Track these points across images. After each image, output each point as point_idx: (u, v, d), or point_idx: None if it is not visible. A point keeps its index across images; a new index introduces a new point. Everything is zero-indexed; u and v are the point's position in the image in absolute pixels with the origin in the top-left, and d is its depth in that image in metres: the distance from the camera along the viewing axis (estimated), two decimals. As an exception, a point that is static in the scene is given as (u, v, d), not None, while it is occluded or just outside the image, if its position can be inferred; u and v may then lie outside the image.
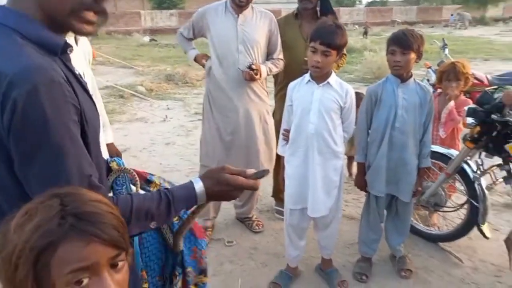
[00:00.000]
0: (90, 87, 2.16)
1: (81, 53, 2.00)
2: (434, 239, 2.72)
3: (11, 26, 0.81)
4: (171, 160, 4.28)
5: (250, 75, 2.43)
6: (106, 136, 2.12)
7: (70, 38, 1.91)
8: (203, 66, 2.70)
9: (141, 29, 24.89)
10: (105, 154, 2.05)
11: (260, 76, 2.48)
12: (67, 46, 0.87)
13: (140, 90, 7.32)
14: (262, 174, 1.02)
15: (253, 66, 2.44)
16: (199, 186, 0.97)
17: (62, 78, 0.79)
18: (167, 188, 0.96)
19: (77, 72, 0.92)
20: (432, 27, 25.94)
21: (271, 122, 2.71)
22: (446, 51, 4.59)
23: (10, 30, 0.81)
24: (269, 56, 2.65)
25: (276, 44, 2.65)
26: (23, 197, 0.80)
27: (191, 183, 0.98)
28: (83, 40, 2.08)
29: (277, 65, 2.67)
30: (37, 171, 0.78)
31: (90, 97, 0.95)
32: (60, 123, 0.77)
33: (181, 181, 1.01)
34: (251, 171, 1.01)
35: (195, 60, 2.74)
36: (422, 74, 4.42)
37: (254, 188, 1.00)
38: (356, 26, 23.55)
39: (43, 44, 0.83)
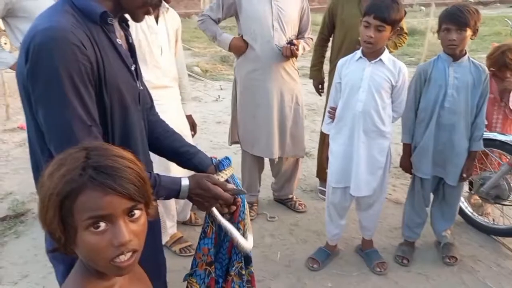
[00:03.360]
0: (175, 61, 2.27)
1: (164, 31, 2.11)
2: (491, 233, 2.57)
3: None
4: (220, 138, 4.41)
5: (292, 51, 2.38)
6: (185, 108, 2.40)
7: (150, 17, 1.99)
8: (242, 51, 2.49)
9: (200, 12, 25.28)
10: (185, 124, 2.36)
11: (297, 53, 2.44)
12: (106, 15, 0.99)
13: (196, 71, 7.53)
14: (239, 192, 1.16)
15: (295, 42, 2.40)
16: (185, 182, 1.09)
17: (79, 39, 0.91)
18: (157, 174, 1.08)
19: (118, 43, 1.04)
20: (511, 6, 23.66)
21: (302, 102, 2.66)
22: (517, 31, 4.21)
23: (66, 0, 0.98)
24: (299, 35, 2.58)
25: (307, 22, 2.59)
26: (41, 141, 0.96)
27: (179, 178, 1.10)
28: (169, 17, 2.16)
29: (309, 44, 2.62)
30: (44, 116, 0.92)
31: (128, 68, 1.07)
32: (65, 75, 0.90)
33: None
34: (231, 186, 1.14)
35: (231, 45, 2.50)
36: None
37: (228, 202, 1.12)
38: (422, 8, 22.13)
39: (85, 13, 0.97)
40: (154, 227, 1.28)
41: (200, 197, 1.09)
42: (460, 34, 1.93)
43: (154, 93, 2.06)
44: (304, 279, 2.21)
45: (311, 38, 2.66)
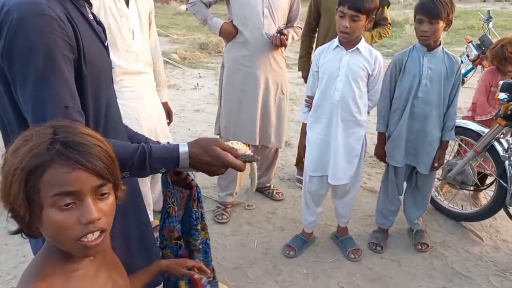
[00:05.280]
0: (150, 46, 2.18)
1: (135, 14, 2.01)
2: (457, 218, 2.66)
3: None
4: (199, 126, 4.38)
5: (282, 40, 2.37)
6: (161, 95, 2.33)
7: (120, 1, 1.93)
8: (232, 37, 2.48)
9: (179, -2, 24.80)
10: (161, 112, 2.30)
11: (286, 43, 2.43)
12: None
13: (174, 58, 7.41)
14: (251, 158, 1.03)
15: (284, 31, 2.38)
16: (183, 150, 0.96)
17: (57, 14, 0.86)
18: (149, 145, 0.97)
19: (90, 18, 1.00)
20: (484, 1, 24.26)
21: (287, 92, 2.66)
22: (490, 24, 4.32)
23: None
24: (288, 23, 2.57)
25: (297, 11, 2.58)
26: (22, 125, 0.90)
27: (177, 145, 0.98)
28: (141, 0, 2.05)
29: (298, 33, 2.61)
30: (24, 94, 0.87)
31: (103, 43, 1.02)
32: (43, 51, 0.85)
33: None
34: (241, 151, 1.02)
35: (222, 30, 2.47)
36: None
37: (240, 169, 1.01)
38: (401, 0, 22.39)
39: None
40: (140, 209, 1.25)
41: (208, 165, 0.98)
42: (432, 26, 1.96)
43: (127, 79, 2.02)
44: (280, 266, 2.24)
45: (300, 27, 2.64)
